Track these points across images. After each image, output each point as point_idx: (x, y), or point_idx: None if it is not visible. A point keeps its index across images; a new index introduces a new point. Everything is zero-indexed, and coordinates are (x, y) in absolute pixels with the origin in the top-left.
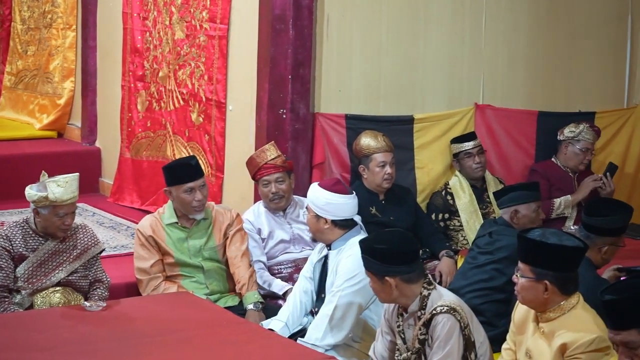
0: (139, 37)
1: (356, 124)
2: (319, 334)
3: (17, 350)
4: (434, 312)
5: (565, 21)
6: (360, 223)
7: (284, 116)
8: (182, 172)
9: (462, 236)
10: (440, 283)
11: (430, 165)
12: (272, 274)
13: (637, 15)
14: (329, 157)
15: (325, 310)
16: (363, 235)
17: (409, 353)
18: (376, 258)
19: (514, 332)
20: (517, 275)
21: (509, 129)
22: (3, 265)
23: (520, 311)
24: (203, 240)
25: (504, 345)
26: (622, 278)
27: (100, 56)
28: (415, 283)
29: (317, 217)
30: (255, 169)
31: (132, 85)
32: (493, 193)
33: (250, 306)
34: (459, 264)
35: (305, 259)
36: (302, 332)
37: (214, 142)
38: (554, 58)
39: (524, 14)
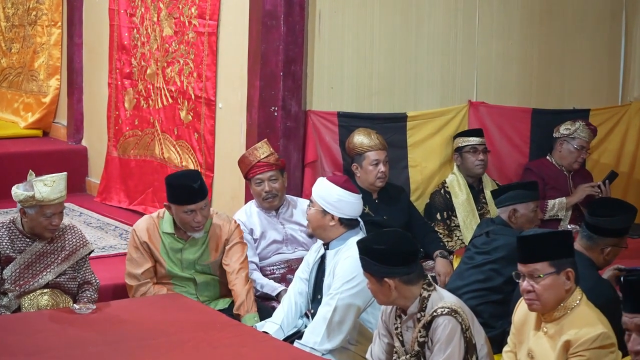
0: (126, 34)
1: (349, 122)
2: (317, 338)
3: (4, 355)
4: (435, 314)
5: (559, 17)
6: (362, 225)
7: (275, 114)
8: (184, 193)
9: (456, 236)
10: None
11: (423, 163)
12: (265, 275)
13: (631, 12)
14: (321, 156)
15: (323, 313)
16: (362, 235)
17: (407, 356)
18: (374, 259)
19: (515, 334)
20: (529, 282)
21: (503, 127)
22: None
23: (520, 313)
24: (197, 255)
25: (505, 348)
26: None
27: (87, 53)
28: (415, 284)
29: (324, 212)
30: (248, 168)
31: (119, 82)
32: (491, 192)
33: None
34: (455, 263)
35: (298, 260)
36: (296, 335)
37: (204, 141)
38: (548, 55)
39: (517, 10)
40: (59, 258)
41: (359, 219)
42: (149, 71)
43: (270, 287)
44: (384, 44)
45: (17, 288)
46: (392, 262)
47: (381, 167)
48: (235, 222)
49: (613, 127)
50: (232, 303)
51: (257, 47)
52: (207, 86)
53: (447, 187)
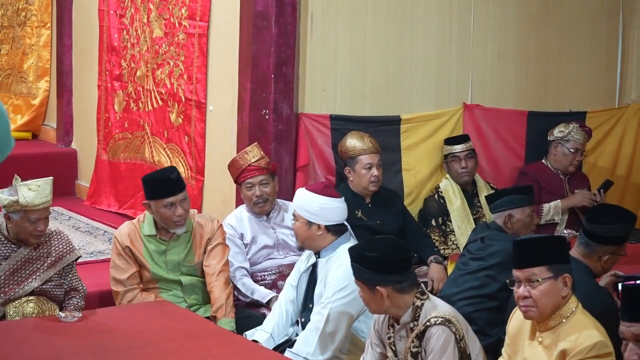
0: (116, 35)
1: (341, 125)
2: (310, 349)
3: None
4: (428, 323)
5: (556, 18)
6: (350, 229)
7: (267, 117)
8: (162, 186)
9: (451, 241)
10: (431, 290)
11: (417, 167)
12: (255, 281)
13: (628, 12)
14: (313, 159)
15: (316, 322)
16: (353, 242)
17: None
18: (367, 267)
19: (509, 344)
20: (525, 288)
21: (498, 130)
22: None
23: (514, 323)
24: (182, 256)
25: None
26: (619, 284)
27: (76, 55)
28: (408, 293)
29: (309, 223)
30: (238, 172)
31: (109, 84)
32: (485, 197)
33: None
34: (449, 269)
35: (289, 265)
36: (287, 343)
37: (194, 144)
38: (544, 56)
39: (513, 11)
40: (45, 264)
41: (346, 223)
42: (139, 73)
43: (261, 293)
44: (377, 46)
45: (1, 295)
46: (385, 270)
47: (374, 171)
48: (218, 222)
49: (610, 130)
50: None
51: (248, 48)
52: (197, 88)
53: (441, 192)
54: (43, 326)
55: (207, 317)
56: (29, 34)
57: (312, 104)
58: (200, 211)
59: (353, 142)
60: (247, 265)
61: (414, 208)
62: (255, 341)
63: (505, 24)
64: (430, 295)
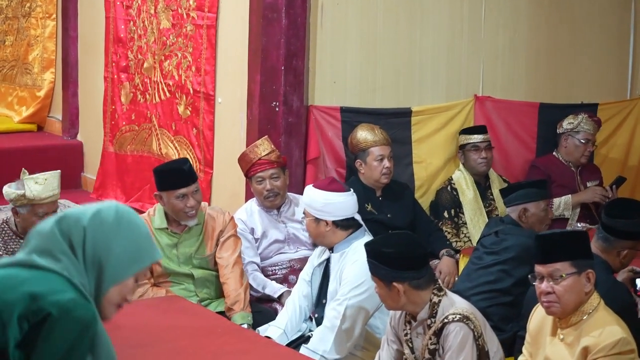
0: (123, 27)
1: (352, 117)
2: (326, 346)
3: None
4: (446, 320)
5: (567, 10)
6: (364, 224)
7: (277, 109)
8: (174, 177)
9: (463, 233)
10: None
11: (428, 159)
12: (266, 276)
13: None
14: (323, 152)
15: (332, 320)
16: (368, 237)
17: None
18: (383, 263)
19: (530, 342)
20: (548, 283)
21: (510, 122)
22: None
23: (535, 321)
24: (194, 248)
25: (520, 358)
26: (637, 280)
27: (82, 46)
28: (425, 289)
29: (317, 220)
30: (249, 165)
31: (116, 76)
32: (500, 191)
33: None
34: (461, 263)
35: (300, 260)
36: (300, 339)
37: (203, 136)
38: (556, 48)
39: (524, 2)
40: None
41: (358, 217)
42: (146, 65)
43: (272, 288)
44: (388, 37)
45: None
46: (402, 266)
47: (386, 163)
48: (229, 214)
49: (622, 122)
50: None
51: (258, 40)
52: (205, 80)
53: (454, 184)
54: None
55: (219, 312)
56: (33, 25)
57: (322, 96)
58: (209, 204)
59: (364, 134)
60: (257, 259)
61: (424, 201)
62: (268, 337)
63: (516, 15)
64: (448, 292)
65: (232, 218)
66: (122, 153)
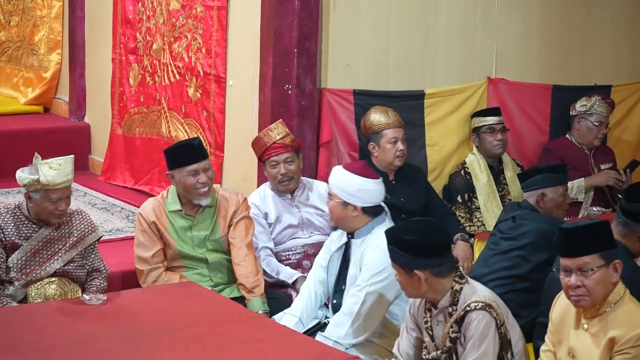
0: (131, 7)
1: (364, 100)
2: (341, 332)
3: (11, 352)
4: (468, 308)
5: None
6: (388, 211)
7: (289, 92)
8: (185, 153)
9: (476, 218)
10: None
11: (441, 142)
12: (280, 261)
13: None
14: (336, 135)
15: (350, 306)
16: (389, 223)
17: (438, 352)
18: (404, 250)
19: (553, 332)
20: (577, 277)
21: (523, 104)
22: None
23: (558, 310)
24: (208, 231)
25: (543, 347)
26: None
27: (89, 27)
28: (446, 277)
29: (345, 204)
30: (262, 149)
31: (124, 58)
32: (517, 175)
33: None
34: (476, 247)
35: (314, 245)
36: (317, 327)
37: (213, 119)
38: (569, 29)
39: None
40: (67, 245)
41: (383, 204)
42: (154, 46)
43: (287, 273)
44: (401, 19)
45: (23, 276)
46: (423, 254)
47: (399, 145)
48: (242, 195)
49: (635, 104)
50: None
51: (270, 22)
52: (216, 62)
53: (468, 168)
54: (67, 310)
55: (233, 298)
56: (39, 6)
57: (335, 79)
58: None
59: (377, 116)
60: (271, 245)
61: (437, 184)
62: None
63: None
64: (469, 279)
65: (245, 199)
66: (130, 135)
